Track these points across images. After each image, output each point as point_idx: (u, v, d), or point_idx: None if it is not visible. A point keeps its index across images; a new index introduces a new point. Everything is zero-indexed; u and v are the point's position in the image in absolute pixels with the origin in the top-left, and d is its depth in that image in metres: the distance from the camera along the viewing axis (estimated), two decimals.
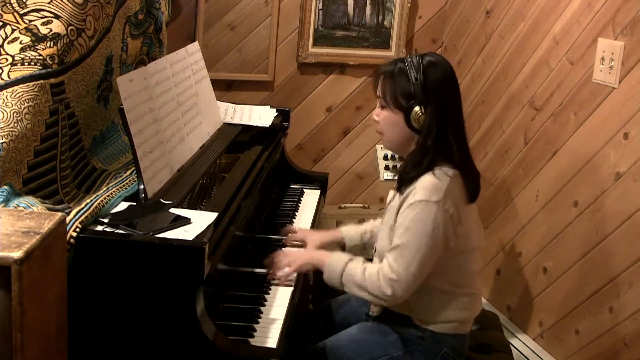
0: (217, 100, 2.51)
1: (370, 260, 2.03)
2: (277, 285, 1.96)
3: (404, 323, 1.95)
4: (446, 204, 1.82)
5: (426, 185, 1.83)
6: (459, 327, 1.96)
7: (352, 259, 1.92)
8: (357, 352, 1.94)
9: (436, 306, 1.92)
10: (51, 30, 1.77)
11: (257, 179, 2.16)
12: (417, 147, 1.89)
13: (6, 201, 1.52)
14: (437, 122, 1.85)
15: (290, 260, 2.00)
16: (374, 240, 2.14)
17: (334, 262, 1.93)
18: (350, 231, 2.24)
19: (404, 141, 1.94)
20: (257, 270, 2.02)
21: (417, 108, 1.85)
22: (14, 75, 1.68)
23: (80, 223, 1.54)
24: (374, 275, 1.85)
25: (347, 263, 1.91)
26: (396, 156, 2.85)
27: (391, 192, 2.04)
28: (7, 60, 1.70)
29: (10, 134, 1.60)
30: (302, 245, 2.21)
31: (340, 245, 2.24)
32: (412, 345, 1.93)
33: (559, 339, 2.61)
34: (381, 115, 1.95)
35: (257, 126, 2.54)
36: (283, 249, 2.15)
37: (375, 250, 2.03)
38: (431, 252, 1.83)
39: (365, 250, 2.23)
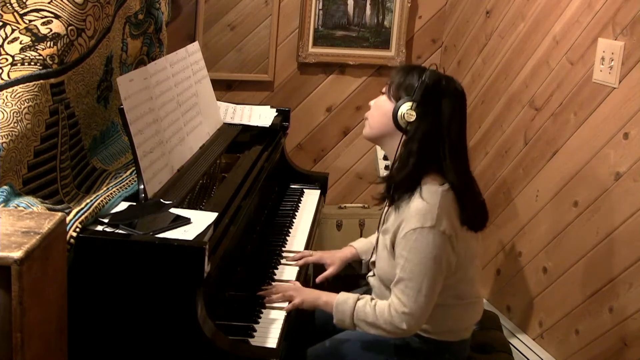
0: (217, 100, 2.51)
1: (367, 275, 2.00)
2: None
3: None
4: (441, 226, 1.78)
5: (418, 210, 1.79)
6: (460, 333, 1.97)
7: (359, 298, 1.87)
8: (357, 354, 1.94)
9: (439, 319, 1.90)
10: (51, 30, 1.77)
11: (257, 179, 2.16)
12: (402, 148, 1.85)
13: (6, 201, 1.52)
14: (426, 128, 1.82)
15: (295, 294, 1.91)
16: None
17: (342, 304, 1.87)
18: (363, 246, 2.21)
19: (384, 132, 1.90)
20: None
21: (409, 104, 1.82)
22: (14, 75, 1.68)
23: (80, 223, 1.54)
24: (385, 312, 1.81)
25: (356, 303, 1.86)
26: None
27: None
28: (7, 60, 1.70)
29: (10, 134, 1.60)
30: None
31: (357, 261, 2.21)
32: (414, 351, 1.93)
33: (559, 339, 2.60)
34: (378, 100, 1.93)
35: (257, 126, 2.54)
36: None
37: (374, 272, 2.00)
38: (437, 277, 1.80)
39: None
